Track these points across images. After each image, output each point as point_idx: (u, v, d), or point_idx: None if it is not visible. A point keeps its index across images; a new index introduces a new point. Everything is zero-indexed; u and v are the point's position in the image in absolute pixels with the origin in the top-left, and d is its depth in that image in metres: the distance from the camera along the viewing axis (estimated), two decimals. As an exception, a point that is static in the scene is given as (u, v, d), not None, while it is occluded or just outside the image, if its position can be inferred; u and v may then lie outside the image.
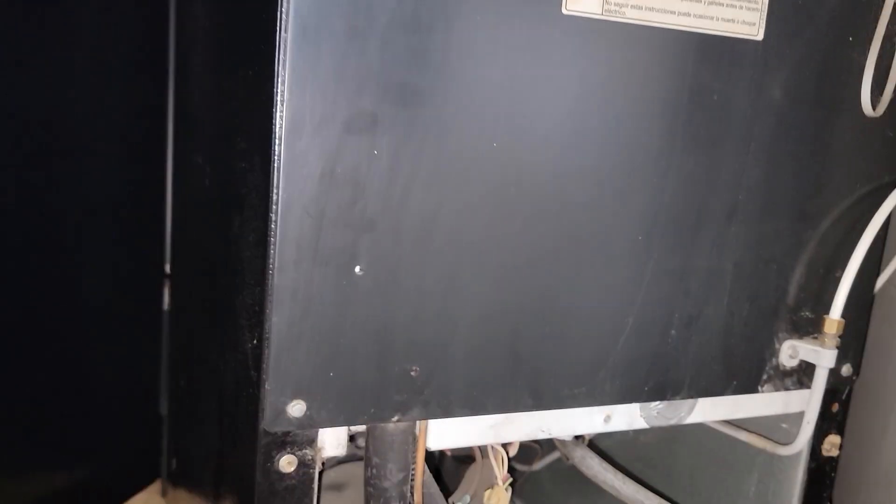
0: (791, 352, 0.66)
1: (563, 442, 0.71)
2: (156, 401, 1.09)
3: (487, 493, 0.65)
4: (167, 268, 1.05)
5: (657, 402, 0.64)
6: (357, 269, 0.51)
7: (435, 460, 0.91)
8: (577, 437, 0.72)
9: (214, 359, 0.67)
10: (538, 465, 0.94)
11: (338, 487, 0.75)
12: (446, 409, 0.55)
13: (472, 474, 0.69)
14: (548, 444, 0.92)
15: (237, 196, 0.57)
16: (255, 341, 0.52)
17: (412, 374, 0.54)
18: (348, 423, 0.53)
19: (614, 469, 0.68)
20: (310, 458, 0.53)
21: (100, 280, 0.99)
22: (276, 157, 0.48)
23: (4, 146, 0.82)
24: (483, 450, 0.71)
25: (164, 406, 1.07)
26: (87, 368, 0.98)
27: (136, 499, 1.08)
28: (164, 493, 1.08)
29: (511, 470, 0.78)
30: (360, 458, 0.61)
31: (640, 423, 0.64)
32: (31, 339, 0.89)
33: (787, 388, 0.67)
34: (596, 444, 0.91)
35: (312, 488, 0.53)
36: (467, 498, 0.65)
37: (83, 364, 0.97)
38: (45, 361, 0.91)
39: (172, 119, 0.98)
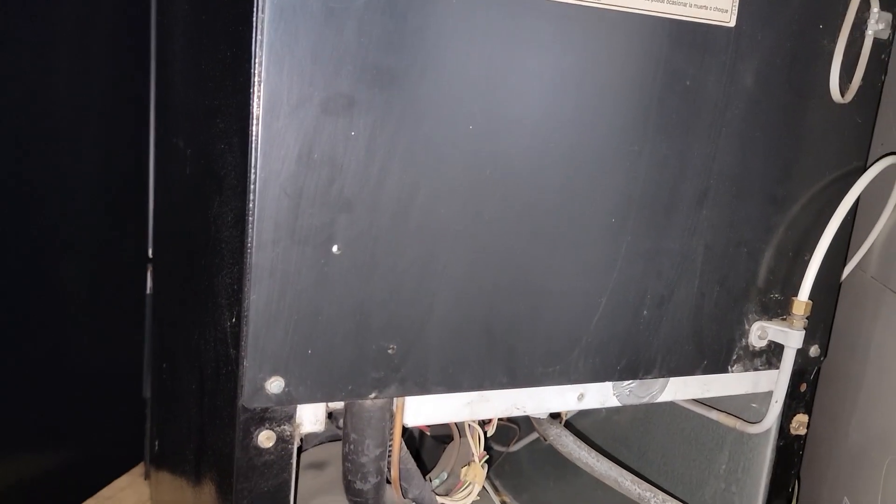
0: (760, 332, 0.68)
1: (539, 421, 0.72)
2: (139, 384, 1.09)
3: (464, 469, 0.66)
4: (150, 252, 1.06)
5: (629, 381, 0.65)
6: (334, 248, 0.52)
7: (415, 441, 0.92)
8: (553, 417, 0.74)
9: (195, 339, 0.68)
10: (516, 446, 0.96)
11: (319, 466, 0.76)
12: (423, 387, 0.56)
13: (450, 452, 0.71)
14: (526, 426, 0.94)
15: (216, 176, 0.57)
16: (233, 319, 0.53)
17: (389, 351, 0.55)
18: (326, 399, 0.54)
19: (588, 447, 0.70)
20: (288, 433, 0.54)
21: (83, 265, 0.99)
22: (253, 138, 0.49)
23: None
24: (461, 429, 0.72)
25: (148, 389, 1.08)
26: (71, 353, 0.99)
27: (119, 482, 1.09)
28: (147, 476, 1.09)
29: (489, 450, 0.79)
30: (340, 438, 0.62)
31: (613, 402, 0.66)
32: (15, 324, 0.89)
33: (756, 369, 0.69)
34: (573, 425, 0.93)
35: (291, 463, 0.54)
36: (444, 475, 0.67)
37: (67, 348, 0.98)
38: (28, 346, 0.92)
39: (154, 102, 0.99)
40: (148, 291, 1.07)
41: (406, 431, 0.62)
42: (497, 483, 1.03)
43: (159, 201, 0.99)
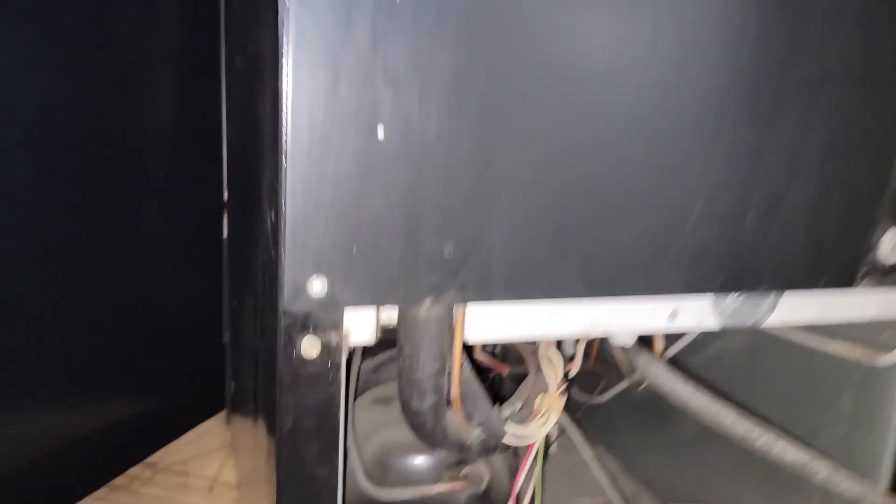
0: (894, 243, 0.57)
1: (625, 350, 0.64)
2: (219, 331, 1.09)
3: (539, 398, 0.59)
4: (224, 197, 1.04)
5: (732, 298, 0.56)
6: (380, 130, 0.46)
7: (495, 384, 0.86)
8: (642, 345, 0.65)
9: (252, 260, 0.64)
10: (602, 397, 0.88)
11: (386, 401, 0.71)
12: (485, 293, 0.49)
13: (525, 385, 0.64)
14: (612, 375, 0.86)
15: (258, 71, 0.53)
16: (273, 217, 0.48)
17: (445, 253, 0.48)
18: (375, 302, 0.48)
19: (684, 377, 0.61)
20: (335, 343, 0.49)
21: (161, 211, 0.98)
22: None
23: (77, 81, 0.81)
24: (538, 361, 0.65)
25: (226, 335, 1.07)
26: (154, 300, 0.98)
27: (202, 427, 1.09)
28: (228, 421, 1.09)
29: (570, 390, 0.72)
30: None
31: (711, 323, 0.57)
32: (99, 272, 0.89)
33: (887, 285, 0.58)
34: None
35: (339, 377, 0.49)
36: (518, 405, 0.60)
37: (150, 295, 0.98)
38: (110, 294, 0.92)
39: (224, 39, 0.96)
40: (224, 236, 1.05)
41: (476, 368, 0.55)
42: (586, 435, 0.95)
43: (232, 145, 0.97)
